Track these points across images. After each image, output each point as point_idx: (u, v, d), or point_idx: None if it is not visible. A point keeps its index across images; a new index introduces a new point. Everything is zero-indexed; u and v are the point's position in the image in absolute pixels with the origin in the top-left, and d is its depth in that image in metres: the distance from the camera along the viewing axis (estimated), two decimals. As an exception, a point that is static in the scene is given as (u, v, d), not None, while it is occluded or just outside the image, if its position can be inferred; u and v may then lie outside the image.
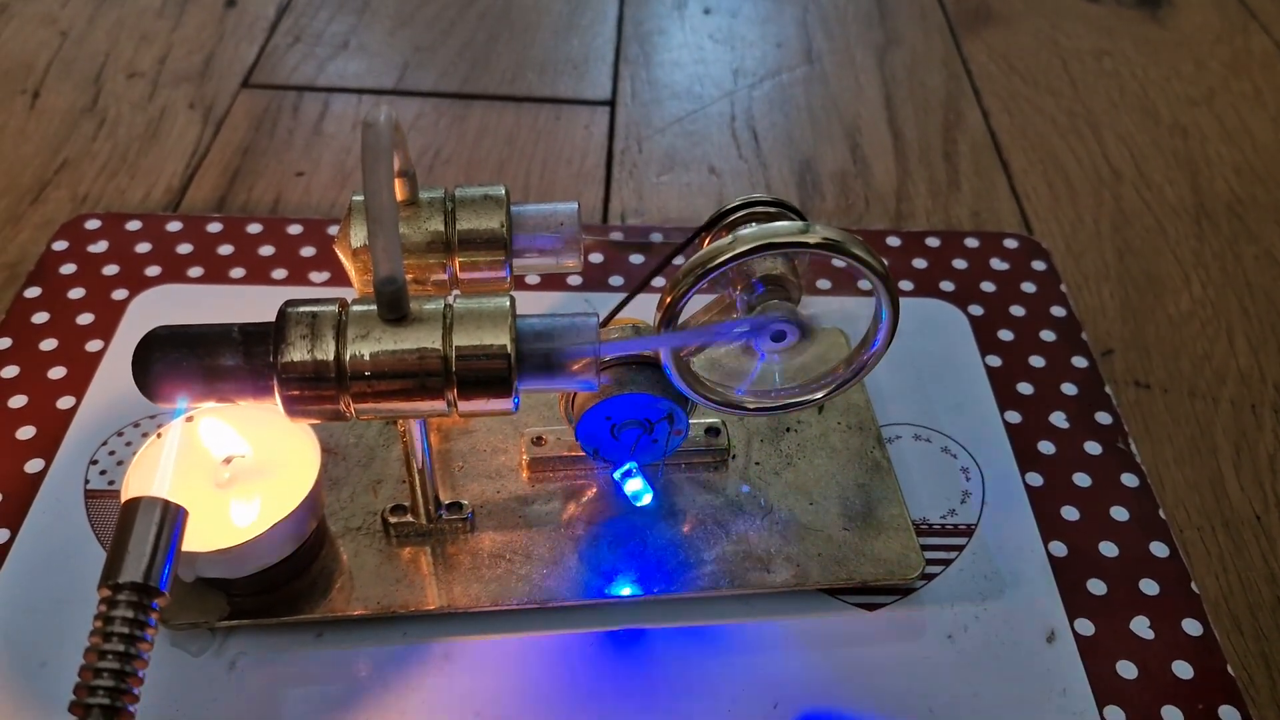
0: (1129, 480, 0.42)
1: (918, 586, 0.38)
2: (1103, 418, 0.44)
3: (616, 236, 0.52)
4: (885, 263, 0.32)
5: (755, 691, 0.35)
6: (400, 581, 0.36)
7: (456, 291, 0.36)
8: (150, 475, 0.32)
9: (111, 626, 0.27)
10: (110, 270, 0.48)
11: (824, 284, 0.49)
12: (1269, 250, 0.54)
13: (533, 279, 0.49)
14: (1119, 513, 0.40)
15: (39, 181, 0.55)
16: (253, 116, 0.60)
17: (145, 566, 0.28)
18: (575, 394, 0.36)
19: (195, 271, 0.48)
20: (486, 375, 0.31)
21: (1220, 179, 0.59)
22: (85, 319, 0.46)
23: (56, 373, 0.43)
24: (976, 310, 0.49)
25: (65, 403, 0.42)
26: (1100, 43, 0.70)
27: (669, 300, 0.32)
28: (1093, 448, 0.43)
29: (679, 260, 0.37)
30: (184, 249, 0.49)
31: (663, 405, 0.35)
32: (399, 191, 0.35)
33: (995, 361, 0.46)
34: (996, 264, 0.51)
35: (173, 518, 0.29)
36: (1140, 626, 0.37)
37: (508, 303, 0.31)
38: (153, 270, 0.48)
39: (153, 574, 0.28)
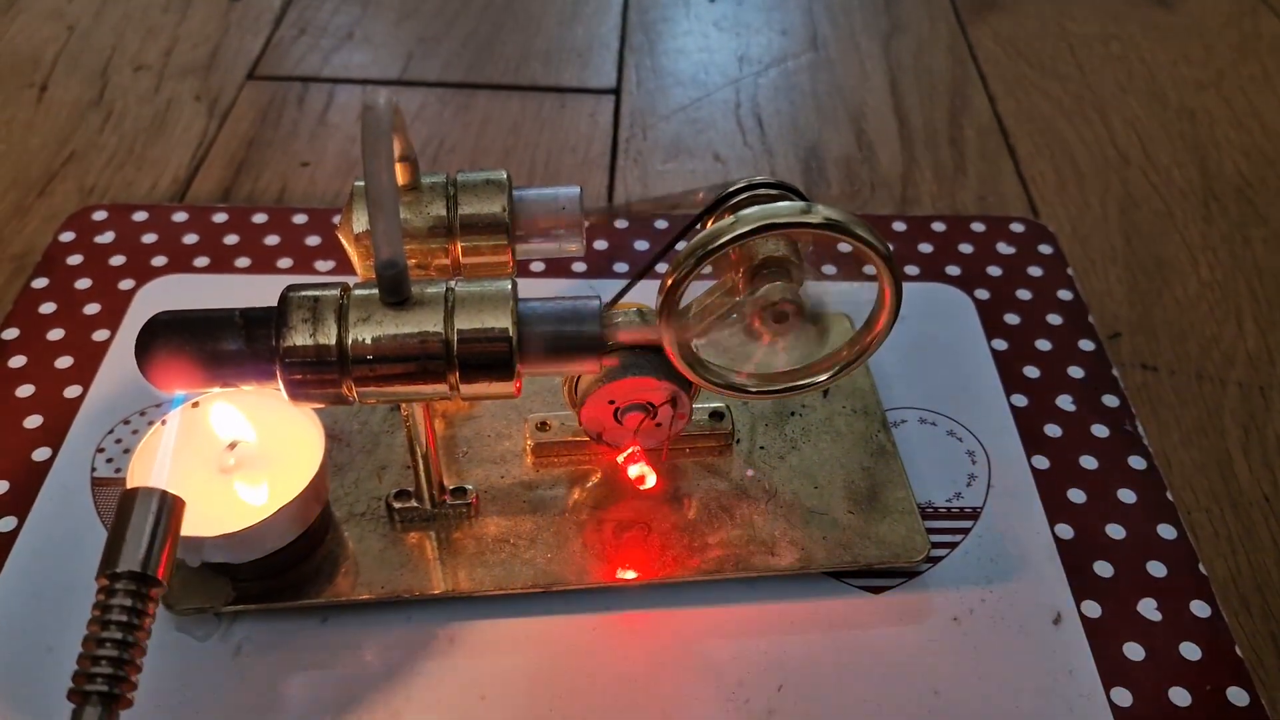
0: (1136, 462, 0.41)
1: (923, 570, 0.38)
2: (1110, 400, 0.44)
3: (621, 223, 0.52)
4: (888, 244, 0.32)
5: (760, 675, 0.35)
6: (405, 566, 0.36)
7: (460, 276, 0.36)
8: (153, 463, 0.32)
9: (109, 615, 0.27)
10: (117, 261, 0.48)
11: (829, 269, 0.49)
12: (1278, 233, 0.54)
13: (537, 265, 0.49)
14: (1126, 495, 0.40)
15: (46, 174, 0.55)
16: (258, 108, 0.60)
17: (143, 556, 0.28)
18: (579, 378, 0.36)
19: (201, 261, 0.49)
20: (488, 358, 0.31)
21: (1229, 162, 0.58)
22: (92, 309, 0.46)
23: (63, 362, 0.43)
24: (982, 294, 0.48)
25: (72, 392, 0.42)
26: (1107, 27, 0.69)
27: (670, 282, 0.32)
28: (1100, 430, 0.43)
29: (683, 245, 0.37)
30: (190, 239, 0.50)
31: (666, 388, 0.35)
32: (401, 176, 0.35)
33: (1001, 345, 0.46)
34: (1003, 248, 0.51)
35: (170, 507, 0.29)
36: (1147, 608, 0.37)
37: (509, 286, 0.31)
38: (159, 260, 0.48)
39: (150, 563, 0.28)
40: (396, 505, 0.37)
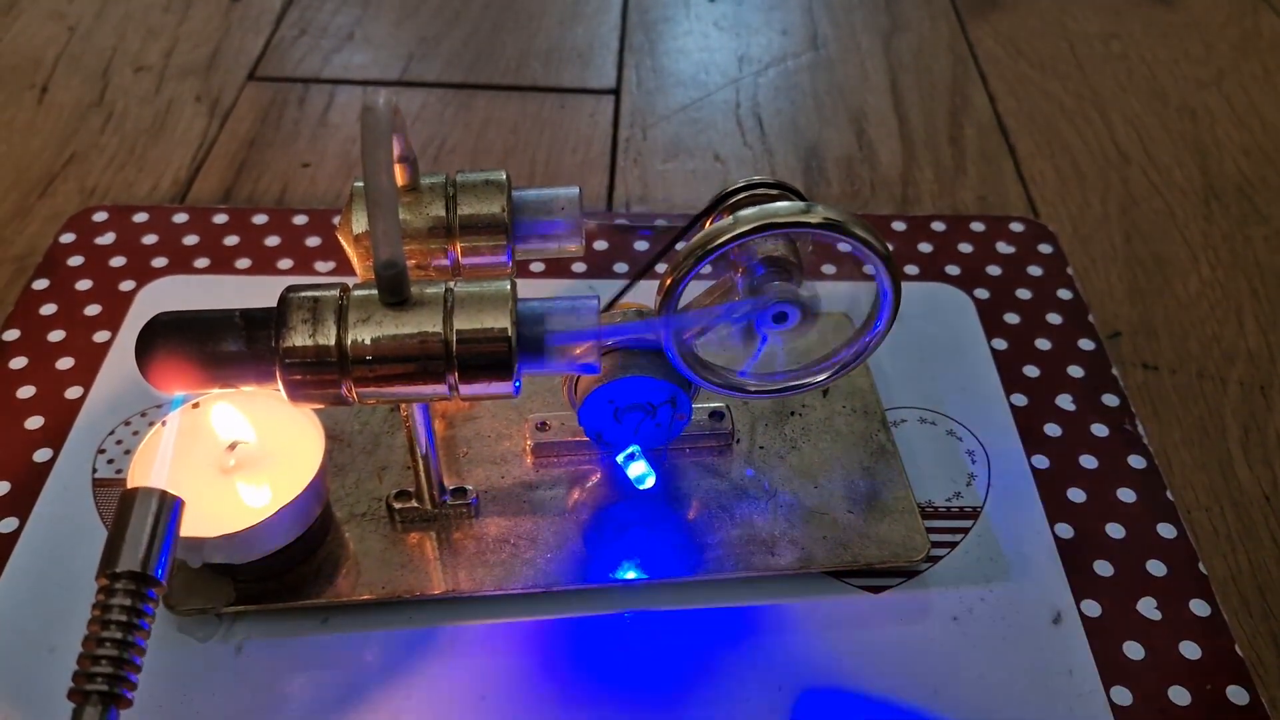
0: (1136, 462, 0.41)
1: (923, 569, 0.38)
2: (1109, 399, 0.44)
3: (621, 224, 0.52)
4: (887, 243, 0.32)
5: (760, 674, 0.35)
6: (405, 567, 0.36)
7: (459, 276, 0.36)
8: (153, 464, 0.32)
9: (109, 615, 0.27)
10: (117, 262, 0.48)
11: (829, 269, 0.49)
12: (1279, 231, 0.54)
13: (537, 266, 0.49)
14: (1126, 494, 0.40)
15: (47, 175, 0.55)
16: (259, 109, 0.60)
17: (142, 556, 0.28)
18: (578, 378, 0.36)
19: (202, 262, 0.49)
20: (487, 358, 0.31)
21: (1229, 160, 0.58)
22: (93, 310, 0.46)
23: (64, 363, 0.44)
24: (982, 294, 0.48)
25: (73, 393, 0.42)
26: (1108, 25, 0.69)
27: (670, 282, 0.32)
28: (1099, 429, 0.43)
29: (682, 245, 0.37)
30: (190, 240, 0.50)
31: (665, 388, 0.35)
32: (400, 177, 0.35)
33: (1001, 344, 0.46)
34: (1002, 247, 0.51)
35: (169, 508, 0.29)
36: (1147, 607, 0.37)
37: (508, 286, 0.31)
38: (159, 261, 0.48)
39: (150, 563, 0.28)
40: (397, 506, 0.37)
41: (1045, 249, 0.51)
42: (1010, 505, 0.40)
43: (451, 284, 0.31)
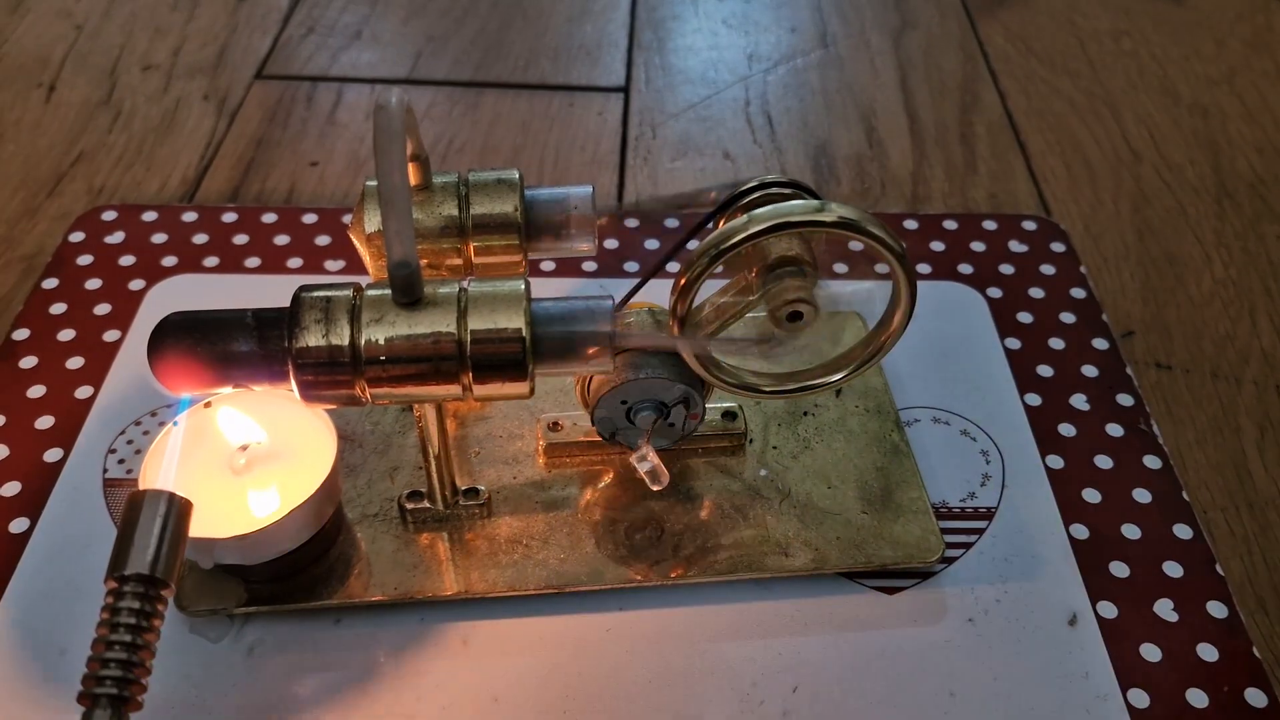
0: (1151, 462, 0.41)
1: (937, 570, 0.37)
2: (1124, 399, 0.43)
3: (631, 222, 0.52)
4: (902, 242, 0.32)
5: (775, 675, 0.34)
6: (417, 567, 0.36)
7: (472, 276, 0.36)
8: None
9: (118, 617, 0.27)
10: (127, 261, 0.48)
11: (840, 268, 0.49)
12: (1292, 230, 0.54)
13: (548, 264, 0.49)
14: (1141, 495, 0.40)
15: (55, 174, 0.55)
16: (266, 107, 0.60)
17: (150, 558, 0.28)
18: (591, 378, 0.36)
19: (211, 261, 0.48)
20: (501, 359, 0.31)
21: (1242, 158, 0.58)
22: (102, 309, 0.46)
23: (74, 363, 0.43)
24: (995, 293, 0.48)
25: (83, 392, 0.42)
26: (1118, 23, 0.69)
27: (684, 282, 0.32)
28: (1114, 429, 0.42)
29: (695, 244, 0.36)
30: (199, 239, 0.50)
31: (678, 388, 0.35)
32: (412, 176, 0.35)
33: (1014, 344, 0.46)
34: (1015, 246, 0.51)
35: (178, 510, 0.29)
36: (1164, 609, 0.37)
37: (522, 286, 0.31)
38: (169, 260, 0.48)
39: (158, 566, 0.28)
40: (409, 506, 0.37)
41: (1058, 247, 0.51)
42: (1025, 506, 0.39)
43: (465, 283, 0.31)
